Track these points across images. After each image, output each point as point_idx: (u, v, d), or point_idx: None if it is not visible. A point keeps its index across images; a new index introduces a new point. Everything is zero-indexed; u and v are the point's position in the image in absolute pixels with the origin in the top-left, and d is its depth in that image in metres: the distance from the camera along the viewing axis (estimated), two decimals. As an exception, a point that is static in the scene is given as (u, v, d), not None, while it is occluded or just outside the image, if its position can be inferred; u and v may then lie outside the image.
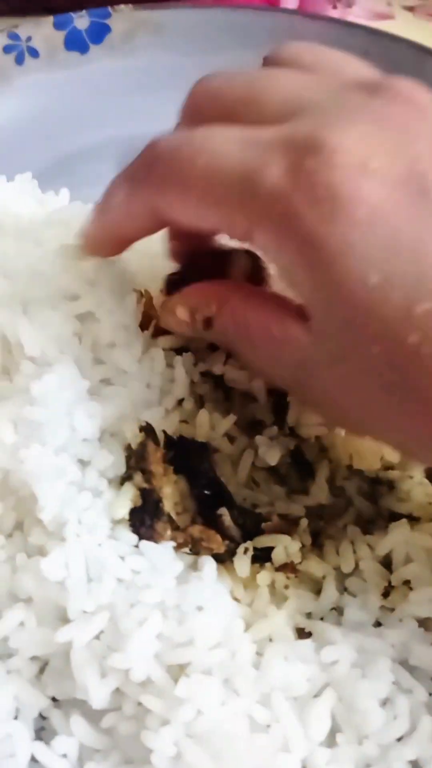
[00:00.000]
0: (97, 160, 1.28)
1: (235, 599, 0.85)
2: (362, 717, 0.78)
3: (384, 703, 0.80)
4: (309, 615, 0.89)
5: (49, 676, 0.83)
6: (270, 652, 0.80)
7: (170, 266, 1.04)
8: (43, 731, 0.84)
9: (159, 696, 0.77)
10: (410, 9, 1.64)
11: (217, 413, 0.96)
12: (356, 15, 1.62)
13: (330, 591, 0.89)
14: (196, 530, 0.85)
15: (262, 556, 0.88)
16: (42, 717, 0.85)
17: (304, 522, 0.94)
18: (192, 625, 0.78)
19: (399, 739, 0.79)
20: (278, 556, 0.88)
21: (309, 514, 0.95)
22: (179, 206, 0.78)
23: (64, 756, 0.81)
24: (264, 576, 0.87)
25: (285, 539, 0.89)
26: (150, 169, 0.81)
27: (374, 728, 0.78)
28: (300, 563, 0.89)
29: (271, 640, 0.81)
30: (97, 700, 0.78)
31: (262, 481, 0.98)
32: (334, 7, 1.63)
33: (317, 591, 0.89)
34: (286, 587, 0.87)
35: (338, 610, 0.89)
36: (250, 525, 0.89)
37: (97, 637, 0.79)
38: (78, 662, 0.78)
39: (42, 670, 0.85)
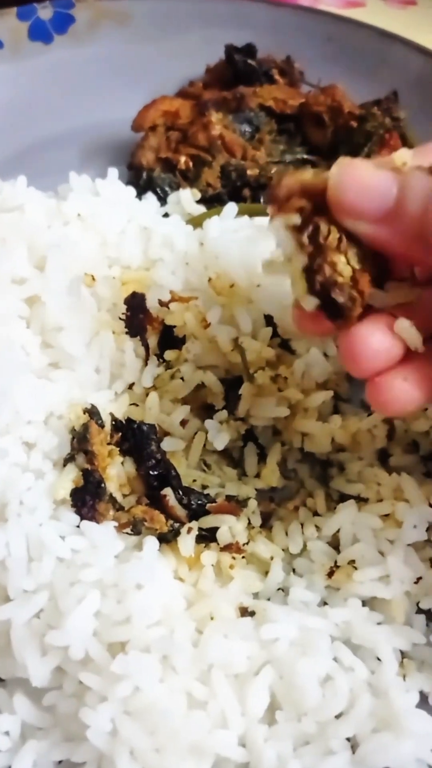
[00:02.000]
0: (60, 150, 1.29)
1: (179, 578, 0.86)
2: (300, 694, 0.78)
3: (324, 681, 0.80)
4: (256, 595, 0.89)
5: (-8, 656, 0.84)
6: (209, 630, 0.80)
7: (127, 250, 1.05)
8: (-14, 710, 0.85)
9: (98, 673, 0.77)
10: (382, -3, 1.64)
11: (167, 398, 0.98)
12: (328, 3, 1.61)
13: (277, 571, 0.89)
14: (139, 510, 0.86)
15: (208, 536, 0.89)
16: (-14, 696, 0.85)
17: (252, 504, 0.94)
18: (130, 603, 0.78)
19: (337, 717, 0.79)
20: (223, 536, 0.88)
21: (260, 496, 0.97)
22: None
23: (7, 734, 0.81)
24: (209, 556, 0.87)
25: (230, 519, 0.90)
26: None
27: (312, 705, 0.78)
28: (247, 544, 0.90)
29: (212, 618, 0.81)
30: (37, 678, 0.79)
31: (213, 464, 0.99)
32: (306, -5, 1.63)
33: (265, 572, 0.90)
34: (232, 567, 0.87)
35: (285, 591, 0.90)
36: (197, 506, 0.89)
37: (37, 616, 0.80)
38: (18, 640, 0.79)
39: (-14, 650, 0.86)
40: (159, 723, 0.75)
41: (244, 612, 0.85)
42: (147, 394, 0.97)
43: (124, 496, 0.90)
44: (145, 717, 0.76)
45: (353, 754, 0.79)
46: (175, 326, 1.00)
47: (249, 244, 1.04)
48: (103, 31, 1.37)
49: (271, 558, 0.90)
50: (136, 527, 0.84)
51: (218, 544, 0.89)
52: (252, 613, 0.85)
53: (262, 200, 1.17)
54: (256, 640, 0.82)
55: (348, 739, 0.79)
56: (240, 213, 1.09)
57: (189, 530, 0.86)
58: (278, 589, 0.90)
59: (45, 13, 1.36)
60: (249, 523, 0.93)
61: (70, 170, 1.14)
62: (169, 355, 0.97)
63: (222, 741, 0.77)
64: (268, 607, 0.84)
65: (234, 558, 0.88)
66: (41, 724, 0.82)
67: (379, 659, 0.84)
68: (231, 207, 1.09)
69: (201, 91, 1.32)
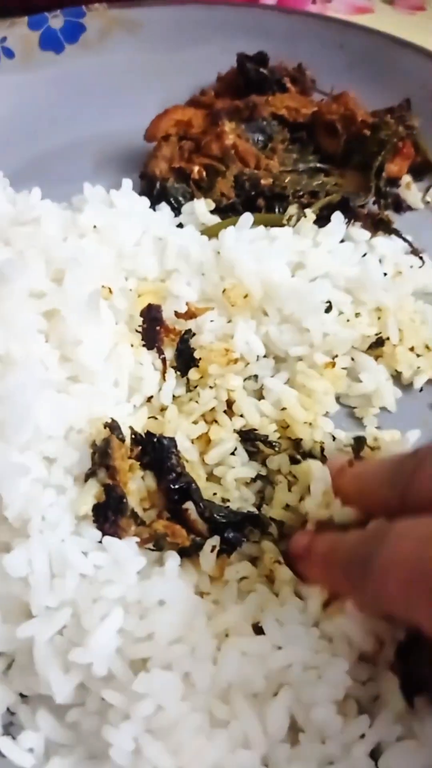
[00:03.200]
0: (72, 159, 1.29)
1: (201, 593, 0.86)
2: (320, 720, 0.78)
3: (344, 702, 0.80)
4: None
5: (16, 671, 0.84)
6: (227, 647, 0.80)
7: (143, 261, 1.05)
8: (11, 726, 0.84)
9: (120, 691, 0.77)
10: (390, 2, 1.64)
11: (185, 416, 0.97)
12: (335, 9, 1.61)
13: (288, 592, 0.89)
14: (161, 525, 0.85)
15: (228, 549, 0.88)
16: (10, 712, 0.85)
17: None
18: (152, 620, 0.78)
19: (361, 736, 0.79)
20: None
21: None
22: None
23: (31, 750, 0.81)
24: (232, 570, 0.87)
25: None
26: None
27: (332, 732, 0.78)
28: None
29: (227, 635, 0.81)
30: (60, 695, 0.79)
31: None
32: (314, 2, 1.62)
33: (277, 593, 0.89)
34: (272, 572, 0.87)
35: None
36: (219, 519, 0.89)
37: (60, 633, 0.80)
38: (41, 657, 0.79)
39: (9, 666, 0.85)
40: (181, 743, 0.75)
41: (257, 629, 0.84)
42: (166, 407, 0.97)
43: (145, 510, 0.89)
44: (168, 736, 0.75)
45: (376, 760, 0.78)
46: (192, 336, 1.00)
47: (264, 255, 1.04)
48: (115, 40, 1.37)
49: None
50: (158, 542, 0.84)
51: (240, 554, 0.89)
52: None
53: (276, 210, 1.17)
54: (272, 661, 0.81)
55: (373, 752, 0.79)
56: (255, 223, 1.09)
57: (213, 548, 0.86)
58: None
59: (56, 22, 1.36)
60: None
61: (82, 180, 1.14)
62: (192, 374, 0.97)
63: (245, 761, 0.76)
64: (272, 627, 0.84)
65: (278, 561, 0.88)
66: (65, 741, 0.81)
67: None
68: (246, 217, 1.09)
69: (213, 100, 1.31)
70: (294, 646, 0.80)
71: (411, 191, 1.25)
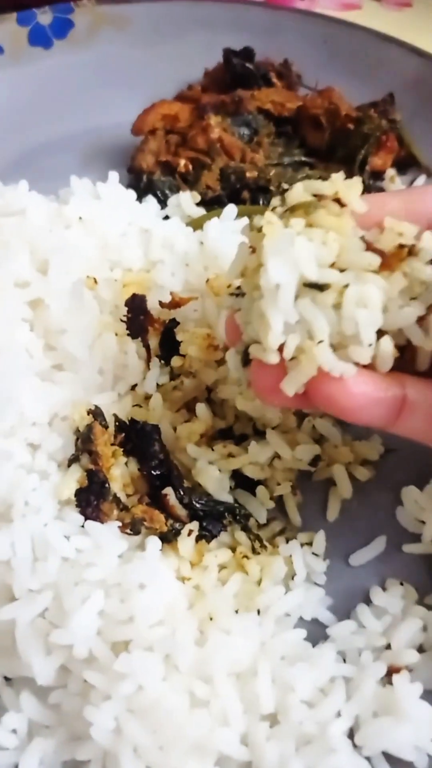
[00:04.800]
0: (60, 154, 1.30)
1: (182, 578, 0.87)
2: (300, 702, 0.80)
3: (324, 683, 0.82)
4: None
5: (-1, 654, 0.85)
6: (211, 628, 0.81)
7: (128, 252, 1.06)
8: (-5, 708, 0.86)
9: (102, 672, 0.78)
10: (377, -1, 1.66)
11: (168, 405, 0.98)
12: (323, 6, 1.62)
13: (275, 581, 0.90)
14: (139, 510, 0.87)
15: (208, 535, 0.89)
16: (-6, 695, 0.86)
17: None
18: (133, 602, 0.79)
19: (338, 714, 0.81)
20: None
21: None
22: None
23: (14, 731, 0.82)
24: (212, 556, 0.88)
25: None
26: None
27: (311, 714, 0.80)
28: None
29: (211, 619, 0.82)
30: (42, 677, 0.80)
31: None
32: (301, -1, 1.64)
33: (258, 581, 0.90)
34: (247, 558, 0.89)
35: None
36: (199, 506, 0.90)
37: (42, 615, 0.81)
38: (22, 640, 0.80)
39: (-7, 649, 0.87)
40: (162, 721, 0.76)
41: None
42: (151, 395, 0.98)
43: (128, 496, 0.90)
44: (149, 715, 0.77)
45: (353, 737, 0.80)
46: (176, 326, 1.01)
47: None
48: (103, 36, 1.38)
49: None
50: (135, 527, 0.85)
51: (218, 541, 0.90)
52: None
53: (261, 202, 1.19)
54: (257, 638, 0.83)
55: (351, 729, 0.81)
56: (239, 215, 1.10)
57: (190, 532, 0.87)
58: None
59: (44, 18, 1.37)
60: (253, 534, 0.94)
61: (70, 174, 1.15)
62: (175, 361, 0.98)
63: (224, 739, 0.78)
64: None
65: (246, 557, 0.89)
66: (47, 722, 0.82)
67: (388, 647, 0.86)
68: (231, 209, 1.10)
69: (199, 95, 1.33)
70: (281, 630, 0.82)
71: (395, 184, 1.26)
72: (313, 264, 0.71)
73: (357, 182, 0.75)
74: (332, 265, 0.72)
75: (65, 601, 0.79)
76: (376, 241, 0.74)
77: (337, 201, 0.74)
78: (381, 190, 1.26)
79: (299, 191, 0.75)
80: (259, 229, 0.74)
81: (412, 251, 0.73)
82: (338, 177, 0.75)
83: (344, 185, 0.74)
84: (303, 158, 1.26)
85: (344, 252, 0.72)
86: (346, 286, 0.72)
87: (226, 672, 0.80)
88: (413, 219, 0.75)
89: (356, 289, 0.72)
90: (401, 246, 0.73)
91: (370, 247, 0.73)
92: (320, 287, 0.71)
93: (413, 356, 0.77)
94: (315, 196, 0.74)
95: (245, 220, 1.10)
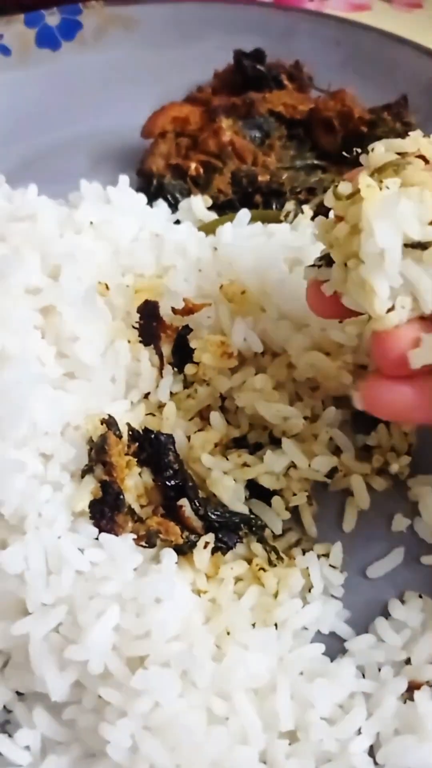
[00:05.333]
0: (69, 157, 1.29)
1: (198, 591, 0.85)
2: (320, 719, 0.78)
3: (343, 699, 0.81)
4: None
5: (12, 669, 0.83)
6: (228, 643, 0.80)
7: (140, 257, 1.04)
8: (7, 724, 0.84)
9: (117, 688, 0.77)
10: (388, 0, 1.63)
11: (182, 414, 0.96)
12: (333, 7, 1.61)
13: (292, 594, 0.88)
14: (154, 522, 0.85)
15: (224, 547, 0.88)
16: (6, 710, 0.84)
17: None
18: (149, 617, 0.77)
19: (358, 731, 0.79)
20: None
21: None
22: None
23: (27, 748, 0.81)
24: (227, 569, 0.87)
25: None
26: None
27: (331, 729, 0.78)
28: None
29: (228, 633, 0.81)
30: (56, 693, 0.78)
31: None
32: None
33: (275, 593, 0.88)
34: (264, 570, 0.88)
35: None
36: (215, 517, 0.89)
37: (56, 630, 0.79)
38: (36, 655, 0.78)
39: (5, 664, 0.85)
40: (180, 739, 0.75)
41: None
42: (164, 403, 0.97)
43: (142, 507, 0.89)
44: (166, 733, 0.75)
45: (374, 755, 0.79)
46: (189, 332, 0.99)
47: (262, 251, 1.03)
48: (111, 37, 1.37)
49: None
50: (150, 539, 0.83)
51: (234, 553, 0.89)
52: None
53: (274, 206, 1.17)
54: (275, 654, 0.82)
55: (371, 747, 0.79)
56: (253, 219, 1.09)
57: (206, 545, 0.85)
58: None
59: (52, 19, 1.36)
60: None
61: (79, 177, 1.13)
62: (188, 369, 0.96)
63: (243, 757, 0.76)
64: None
65: (262, 570, 0.88)
66: (61, 739, 0.81)
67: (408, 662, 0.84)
68: (244, 214, 1.09)
69: (210, 97, 1.31)
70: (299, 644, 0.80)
71: (409, 188, 1.24)
72: (416, 223, 0.70)
73: None
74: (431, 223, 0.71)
75: (80, 616, 0.78)
76: None
77: (421, 158, 0.73)
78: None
79: (381, 151, 0.75)
80: (348, 197, 0.73)
81: None
82: (417, 134, 0.76)
83: (426, 141, 0.74)
84: (315, 161, 1.24)
85: None
86: None
87: (244, 688, 0.79)
88: None
89: None
90: None
91: None
92: (424, 246, 0.71)
93: None
94: (398, 154, 0.74)
95: (259, 225, 1.08)
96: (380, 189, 0.71)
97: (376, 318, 0.72)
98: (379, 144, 0.75)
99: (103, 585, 0.79)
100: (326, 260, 0.78)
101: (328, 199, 0.77)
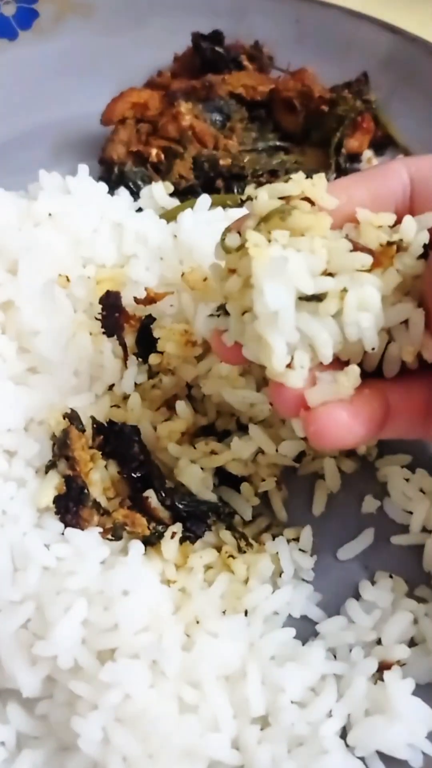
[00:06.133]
0: (29, 147, 1.27)
1: (168, 581, 0.85)
2: (291, 703, 0.79)
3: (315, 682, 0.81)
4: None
5: (-18, 666, 0.84)
6: (198, 633, 0.80)
7: (101, 247, 1.03)
8: (-19, 721, 0.85)
9: (88, 681, 0.77)
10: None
11: (147, 404, 0.96)
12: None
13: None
14: (120, 515, 0.85)
15: (192, 537, 0.88)
16: (-20, 707, 0.85)
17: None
18: (117, 610, 0.78)
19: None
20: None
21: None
22: None
23: (2, 744, 0.81)
24: (197, 558, 0.87)
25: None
26: None
27: (302, 714, 0.79)
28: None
29: (197, 622, 0.81)
30: (27, 688, 0.78)
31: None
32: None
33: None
34: (233, 558, 0.88)
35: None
36: (182, 507, 0.88)
37: (25, 626, 0.79)
38: (6, 652, 0.78)
39: (-24, 661, 0.85)
40: (150, 729, 0.75)
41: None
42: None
43: (109, 499, 0.88)
44: (137, 724, 0.75)
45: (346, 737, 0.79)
46: (152, 322, 0.99)
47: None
48: (68, 25, 1.34)
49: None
50: (116, 532, 0.83)
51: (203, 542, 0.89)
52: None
53: (235, 190, 1.16)
54: (245, 639, 0.82)
55: (344, 729, 0.80)
56: (214, 204, 1.08)
57: (173, 534, 0.85)
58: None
59: (8, 9, 1.33)
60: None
61: (40, 168, 1.11)
62: (153, 359, 0.95)
63: (215, 744, 0.77)
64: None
65: (231, 557, 0.88)
66: (35, 734, 0.81)
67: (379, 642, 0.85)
68: (204, 199, 1.07)
69: (169, 81, 1.29)
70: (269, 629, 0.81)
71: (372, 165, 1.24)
72: (307, 277, 0.68)
73: (320, 178, 0.72)
74: (324, 273, 0.69)
75: (47, 612, 0.78)
76: (357, 237, 0.72)
77: (306, 200, 0.71)
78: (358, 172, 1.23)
79: (265, 199, 0.72)
80: (237, 249, 0.70)
81: (400, 246, 0.71)
82: (299, 176, 0.73)
83: (308, 183, 0.72)
84: (278, 143, 1.23)
85: (333, 256, 0.70)
86: (344, 290, 0.69)
87: (215, 676, 0.79)
88: (382, 205, 0.73)
89: (355, 293, 0.69)
90: (389, 243, 0.71)
91: (356, 246, 0.71)
92: (318, 298, 0.69)
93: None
94: (282, 199, 0.71)
95: (219, 210, 1.07)
96: (269, 242, 0.68)
97: (275, 375, 0.70)
98: (262, 191, 0.72)
99: (70, 579, 0.79)
100: (224, 310, 0.75)
101: (217, 253, 0.74)
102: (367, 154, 1.24)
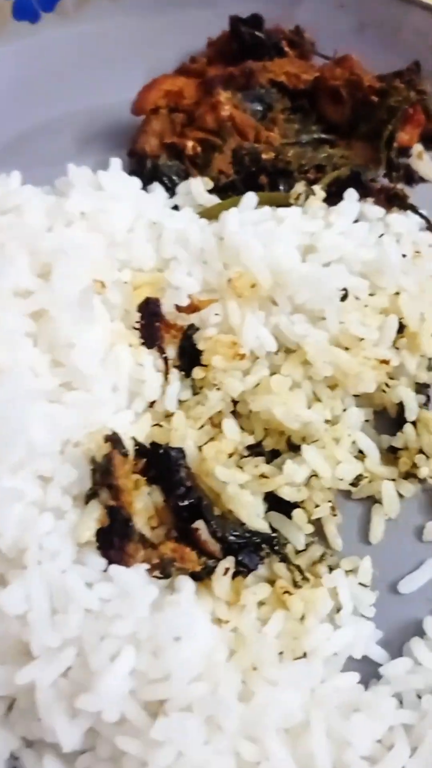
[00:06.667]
0: (54, 138, 1.18)
1: (219, 620, 0.78)
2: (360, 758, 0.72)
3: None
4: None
5: (17, 715, 0.76)
6: (256, 680, 0.73)
7: (137, 249, 0.95)
8: (16, 773, 0.77)
9: (136, 736, 0.70)
10: None
11: (192, 422, 0.89)
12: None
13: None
14: (168, 548, 0.77)
15: (245, 571, 0.81)
16: (13, 757, 0.77)
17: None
18: (168, 657, 0.70)
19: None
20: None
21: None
22: None
23: (38, 802, 0.74)
24: (250, 594, 0.79)
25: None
26: None
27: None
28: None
29: (254, 669, 0.73)
30: (66, 743, 0.71)
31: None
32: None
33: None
34: (288, 594, 0.80)
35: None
36: (234, 539, 0.81)
37: (65, 675, 0.72)
38: (44, 703, 0.71)
39: (10, 708, 0.77)
40: (208, 791, 0.68)
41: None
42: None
43: (153, 528, 0.81)
44: (192, 785, 0.68)
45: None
46: (195, 332, 0.91)
47: (272, 238, 0.94)
48: (94, 6, 1.26)
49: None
50: (165, 569, 0.76)
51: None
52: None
53: (281, 187, 1.08)
54: (307, 688, 0.75)
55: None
56: (260, 203, 1.00)
57: (226, 571, 0.78)
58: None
59: (29, -12, 1.25)
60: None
61: (65, 160, 1.04)
62: (197, 373, 0.88)
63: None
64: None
65: (287, 593, 0.80)
66: (75, 791, 0.74)
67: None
68: (250, 197, 1.00)
69: (205, 68, 1.21)
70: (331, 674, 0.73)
71: (423, 161, 1.15)
72: None
73: None
74: None
75: (91, 660, 0.70)
76: None
77: None
78: (407, 167, 1.15)
79: None
80: None
81: None
82: None
83: None
84: (322, 135, 1.15)
85: None
86: None
87: (276, 729, 0.72)
88: None
89: None
90: None
91: None
92: None
93: None
94: None
95: (267, 209, 0.99)
96: None
97: None
98: None
99: (116, 624, 0.71)
100: None
101: None
102: (417, 148, 1.16)
